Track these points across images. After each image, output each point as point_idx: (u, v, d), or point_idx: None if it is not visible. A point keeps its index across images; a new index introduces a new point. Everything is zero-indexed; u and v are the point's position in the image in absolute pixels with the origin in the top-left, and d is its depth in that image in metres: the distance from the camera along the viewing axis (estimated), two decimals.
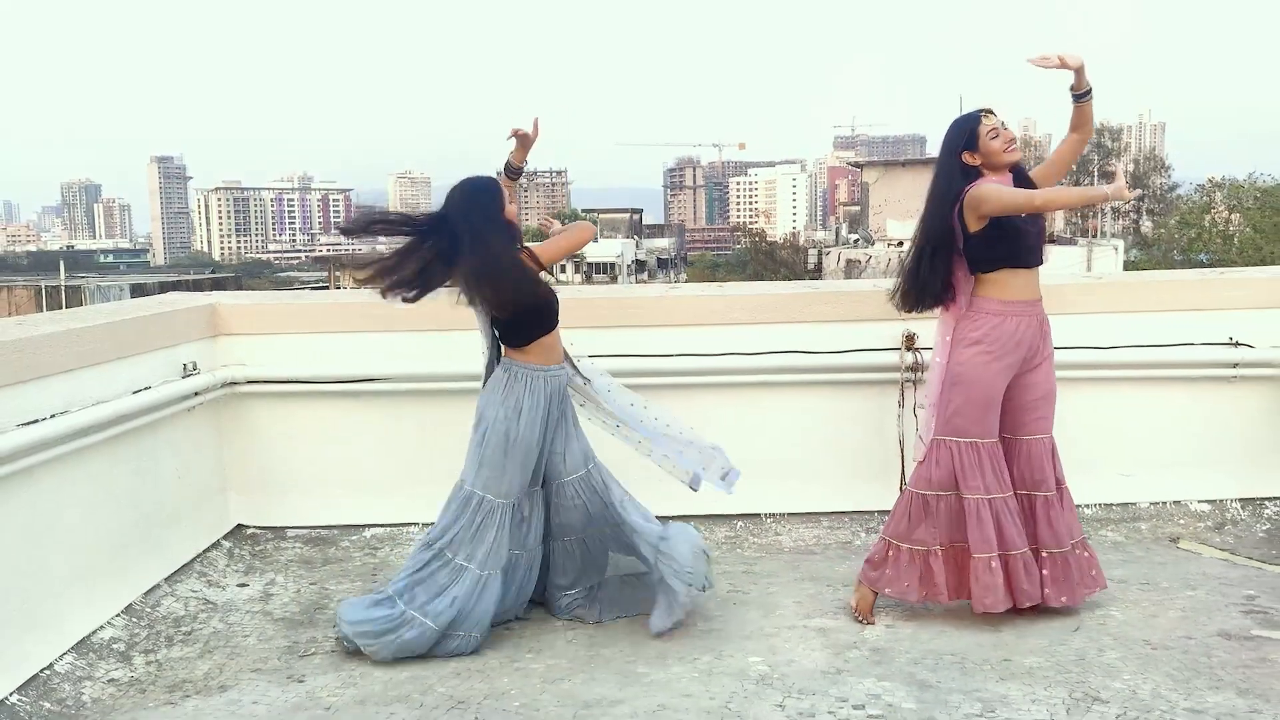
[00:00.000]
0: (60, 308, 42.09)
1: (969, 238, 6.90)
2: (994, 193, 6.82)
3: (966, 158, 6.96)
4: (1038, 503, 7.10)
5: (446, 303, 7.01)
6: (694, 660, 6.56)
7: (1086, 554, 7.16)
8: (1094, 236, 68.06)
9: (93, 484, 7.17)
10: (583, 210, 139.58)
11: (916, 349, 8.52)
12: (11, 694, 6.13)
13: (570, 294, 7.08)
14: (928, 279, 7.03)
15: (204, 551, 8.50)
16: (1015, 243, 6.92)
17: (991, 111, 6.98)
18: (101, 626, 7.04)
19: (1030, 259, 6.99)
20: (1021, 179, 7.03)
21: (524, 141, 7.13)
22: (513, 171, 7.17)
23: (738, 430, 8.67)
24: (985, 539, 6.87)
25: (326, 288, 77.77)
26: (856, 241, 65.32)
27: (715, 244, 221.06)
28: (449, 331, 7.41)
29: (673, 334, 7.88)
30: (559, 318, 7.00)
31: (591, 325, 8.14)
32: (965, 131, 6.97)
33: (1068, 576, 7.03)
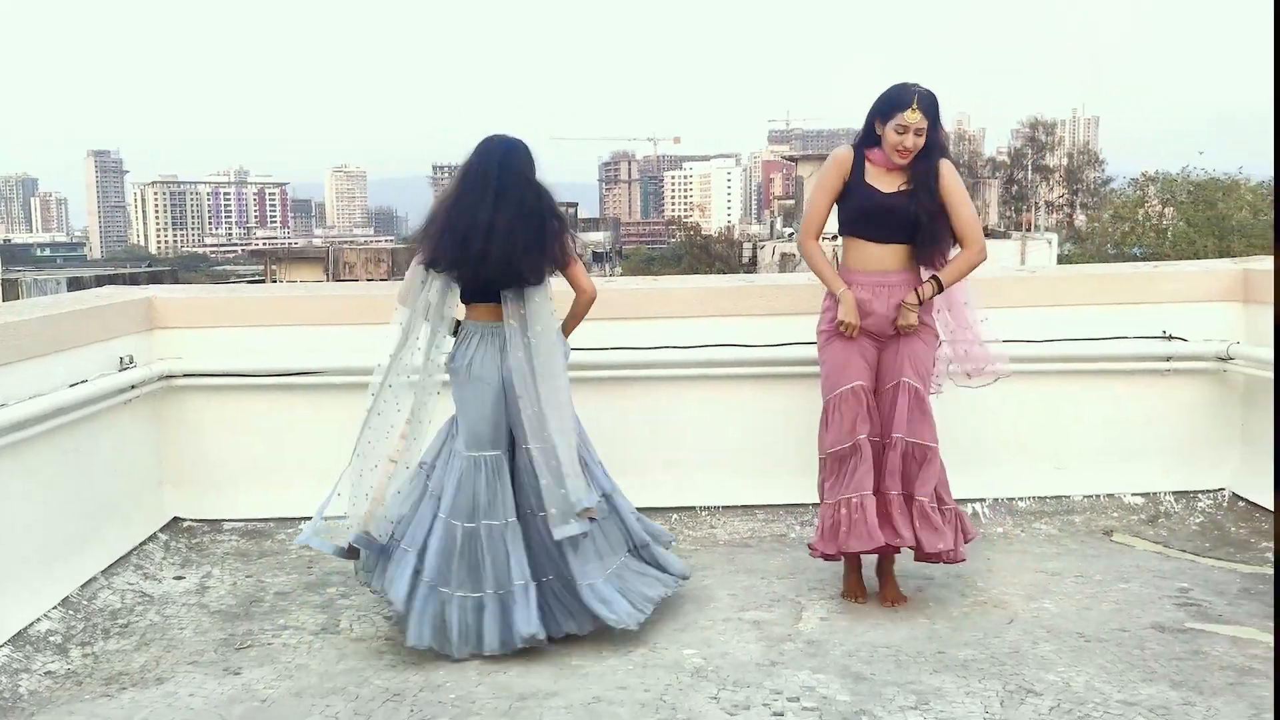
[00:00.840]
0: None
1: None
2: (815, 186, 7.27)
3: (876, 124, 7.08)
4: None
5: (382, 295, 6.99)
6: (629, 653, 6.56)
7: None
8: (1027, 230, 68.49)
9: (29, 477, 7.15)
10: None
11: None
12: None
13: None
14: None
15: (141, 544, 8.46)
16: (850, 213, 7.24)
17: (916, 107, 6.94)
18: (38, 619, 7.00)
19: (868, 230, 7.19)
20: (922, 186, 7.07)
21: None
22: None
23: (671, 424, 8.71)
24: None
25: (263, 281, 77.49)
26: (791, 235, 65.41)
27: (650, 238, 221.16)
28: (386, 325, 7.39)
29: (607, 328, 7.88)
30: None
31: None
32: (890, 104, 7.01)
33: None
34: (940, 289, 7.13)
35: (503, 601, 6.60)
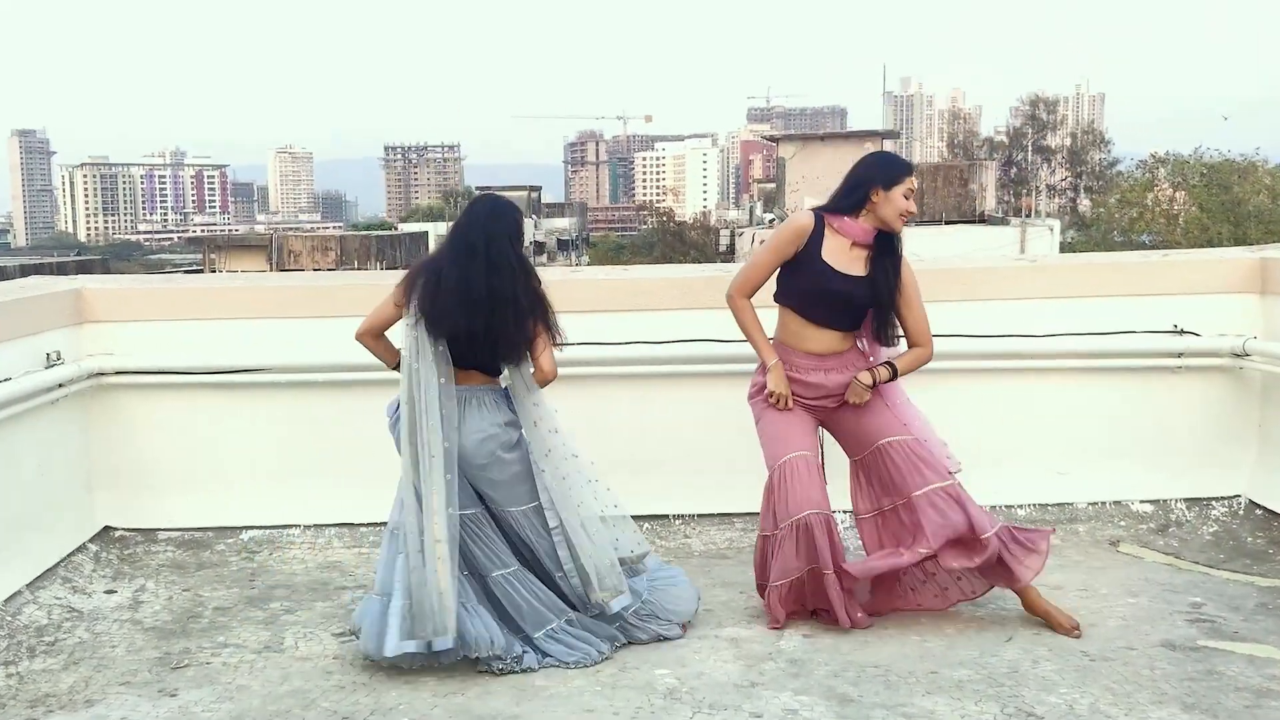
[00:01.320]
0: None
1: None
2: (767, 246, 7.35)
3: (874, 192, 7.06)
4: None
5: (329, 285, 7.01)
6: (596, 673, 6.56)
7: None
8: (1028, 216, 68.63)
9: None
10: (477, 188, 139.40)
11: None
12: None
13: None
14: None
15: (69, 555, 8.43)
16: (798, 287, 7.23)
17: (913, 175, 7.15)
18: None
19: (814, 312, 7.19)
20: (885, 251, 7.15)
21: None
22: None
23: (643, 425, 8.72)
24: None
25: (201, 271, 77.40)
26: (772, 221, 65.30)
27: (620, 224, 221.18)
28: (337, 318, 7.39)
29: (573, 321, 7.85)
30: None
31: None
32: (896, 169, 7.12)
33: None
34: (894, 376, 7.18)
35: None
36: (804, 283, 7.08)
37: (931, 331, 7.22)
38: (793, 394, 7.15)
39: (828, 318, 7.10)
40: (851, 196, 7.12)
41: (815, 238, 7.08)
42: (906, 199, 7.02)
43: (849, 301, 7.05)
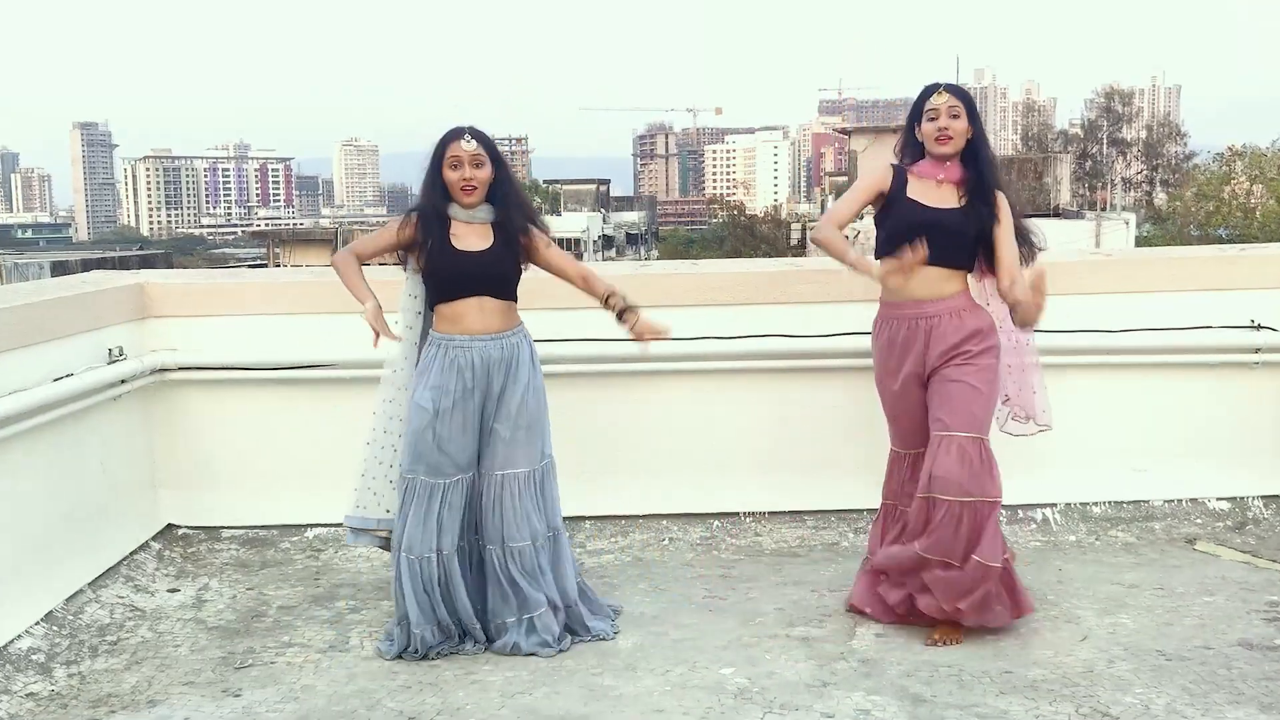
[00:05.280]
0: None
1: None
2: (853, 186, 7.35)
3: (916, 131, 7.12)
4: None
5: (395, 280, 7.05)
6: (666, 672, 6.55)
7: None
8: (1103, 210, 68.15)
9: (10, 480, 7.14)
10: (544, 181, 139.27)
11: None
12: None
13: (529, 274, 7.04)
14: None
15: (131, 554, 8.47)
16: (891, 229, 7.11)
17: (944, 90, 7.06)
18: (20, 635, 7.01)
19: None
20: (978, 180, 7.08)
21: None
22: None
23: (712, 421, 8.68)
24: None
25: (265, 265, 77.55)
26: None
27: (689, 218, 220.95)
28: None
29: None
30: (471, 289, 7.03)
31: (552, 307, 8.11)
32: (919, 99, 7.12)
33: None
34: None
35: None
36: (895, 223, 7.01)
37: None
38: (895, 367, 7.09)
39: (932, 252, 6.80)
40: (908, 142, 7.18)
41: (899, 182, 7.09)
42: (933, 120, 7.00)
43: (943, 229, 6.89)
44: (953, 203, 7.01)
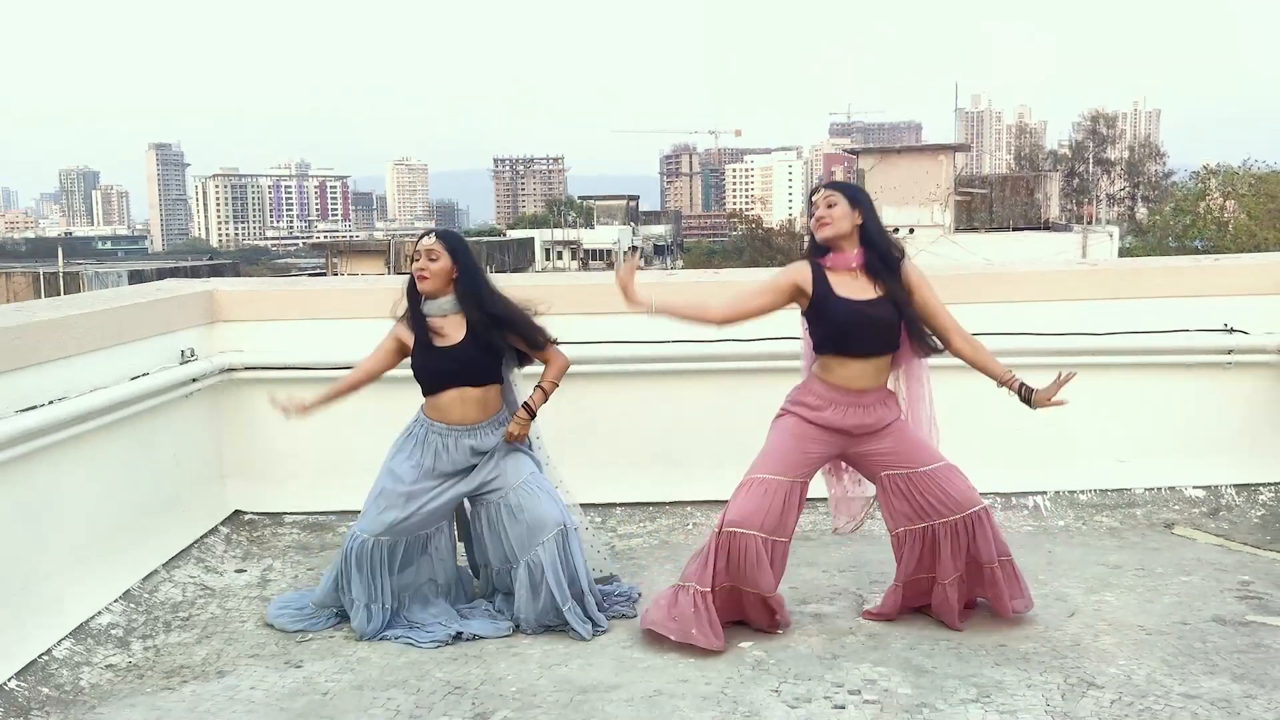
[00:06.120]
0: (58, 294, 42.02)
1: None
2: (762, 282, 7.06)
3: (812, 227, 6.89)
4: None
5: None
6: (689, 646, 6.54)
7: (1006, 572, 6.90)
8: (1089, 223, 68.01)
9: (91, 470, 7.18)
10: (579, 197, 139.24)
11: None
12: (10, 679, 6.13)
13: (563, 280, 7.06)
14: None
15: (201, 537, 8.52)
16: (830, 327, 6.83)
17: (822, 188, 6.88)
18: (99, 612, 7.06)
19: (853, 345, 6.80)
20: (876, 260, 6.77)
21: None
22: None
23: (733, 416, 8.66)
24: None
25: (324, 274, 77.74)
26: None
27: (711, 231, 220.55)
28: None
29: (670, 321, 7.84)
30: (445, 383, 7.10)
31: (584, 311, 8.13)
32: (809, 202, 6.95)
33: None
34: (1023, 387, 6.79)
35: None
36: (838, 318, 6.71)
37: (973, 331, 7.01)
38: (821, 427, 6.87)
39: (871, 345, 6.73)
40: (812, 238, 6.89)
41: (820, 279, 6.79)
42: (813, 214, 6.79)
43: (879, 323, 6.69)
44: (871, 293, 6.73)
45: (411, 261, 7.09)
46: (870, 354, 6.74)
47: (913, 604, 6.98)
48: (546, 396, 7.14)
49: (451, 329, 7.00)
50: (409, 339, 7.08)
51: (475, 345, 6.98)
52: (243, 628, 7.17)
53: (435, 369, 7.02)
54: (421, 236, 7.11)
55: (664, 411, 8.97)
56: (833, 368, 6.82)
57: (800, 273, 6.83)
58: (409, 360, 7.15)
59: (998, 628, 6.71)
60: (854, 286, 6.73)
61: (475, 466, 7.07)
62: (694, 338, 8.52)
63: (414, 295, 7.10)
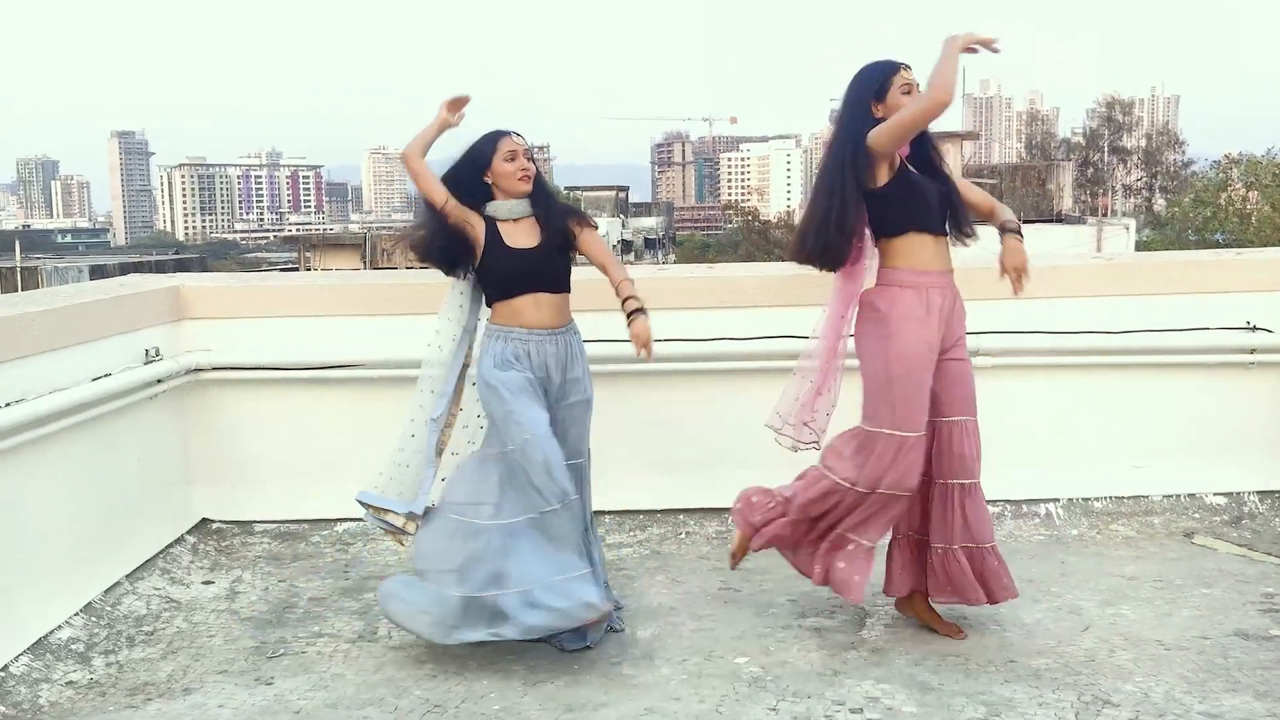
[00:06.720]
0: (15, 290, 42.00)
1: (872, 195, 6.68)
2: (886, 126, 6.55)
3: (874, 108, 6.67)
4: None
5: (421, 283, 7.03)
6: (682, 662, 6.57)
7: (996, 561, 6.83)
8: (1104, 215, 68.15)
9: (50, 476, 7.16)
10: (566, 188, 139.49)
11: None
12: None
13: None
14: (835, 241, 6.81)
15: (167, 547, 8.49)
16: (922, 202, 6.66)
17: (910, 68, 6.72)
18: (59, 626, 7.04)
19: (934, 223, 6.70)
20: (925, 159, 6.81)
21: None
22: None
23: (727, 419, 8.68)
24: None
25: (296, 269, 77.65)
26: None
27: (705, 223, 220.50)
28: (428, 315, 7.40)
29: (661, 317, 7.83)
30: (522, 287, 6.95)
31: (573, 309, 8.14)
32: (877, 79, 6.69)
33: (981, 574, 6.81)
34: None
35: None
36: (912, 198, 6.63)
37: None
38: (925, 330, 6.61)
39: (940, 221, 6.70)
40: (866, 124, 6.65)
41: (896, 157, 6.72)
42: (905, 93, 6.61)
43: (942, 198, 6.69)
44: (913, 172, 6.75)
45: (484, 170, 6.95)
46: (941, 230, 6.73)
47: (910, 581, 6.99)
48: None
49: (522, 235, 6.95)
50: (479, 233, 6.93)
51: (555, 247, 6.99)
52: (210, 642, 7.15)
53: (514, 269, 6.91)
54: (502, 135, 6.97)
55: (655, 415, 8.95)
56: (914, 251, 6.68)
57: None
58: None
59: (1007, 643, 6.70)
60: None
61: (559, 383, 7.01)
62: (685, 336, 8.53)
63: (474, 198, 6.98)
